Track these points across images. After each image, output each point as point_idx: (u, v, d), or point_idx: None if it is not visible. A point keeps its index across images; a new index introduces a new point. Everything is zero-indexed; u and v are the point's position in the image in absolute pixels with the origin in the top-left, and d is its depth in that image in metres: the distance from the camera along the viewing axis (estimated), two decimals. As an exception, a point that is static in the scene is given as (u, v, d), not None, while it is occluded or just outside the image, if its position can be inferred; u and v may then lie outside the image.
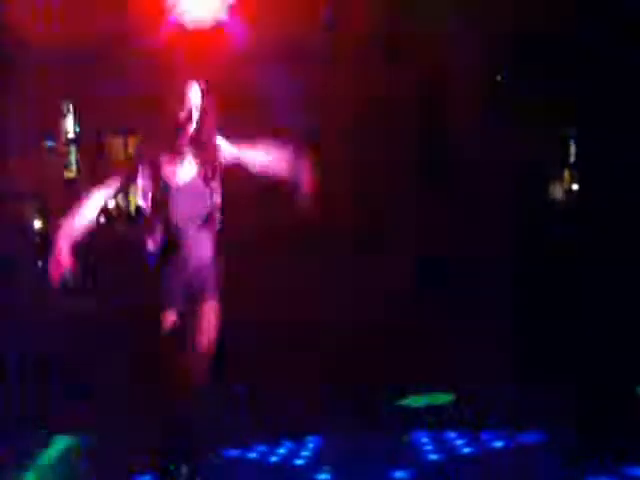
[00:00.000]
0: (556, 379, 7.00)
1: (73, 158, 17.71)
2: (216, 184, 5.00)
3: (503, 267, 9.46)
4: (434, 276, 9.64)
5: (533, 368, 7.28)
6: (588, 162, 11.43)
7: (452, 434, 6.19)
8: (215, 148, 5.01)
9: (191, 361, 4.83)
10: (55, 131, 16.99)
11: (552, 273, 9.36)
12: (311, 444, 6.17)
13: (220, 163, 5.00)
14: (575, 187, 11.75)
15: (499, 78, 11.22)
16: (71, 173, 17.58)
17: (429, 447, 5.95)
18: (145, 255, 4.93)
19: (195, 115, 4.93)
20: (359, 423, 6.55)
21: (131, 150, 17.92)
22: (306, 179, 5.06)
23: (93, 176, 17.13)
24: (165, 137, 4.99)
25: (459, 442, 6.01)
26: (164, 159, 4.95)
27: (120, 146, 18.09)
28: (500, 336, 8.09)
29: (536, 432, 6.01)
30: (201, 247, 4.94)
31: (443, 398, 7.13)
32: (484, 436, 6.06)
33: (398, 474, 5.40)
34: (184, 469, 4.85)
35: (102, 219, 16.64)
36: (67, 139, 17.88)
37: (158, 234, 4.92)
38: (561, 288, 9.04)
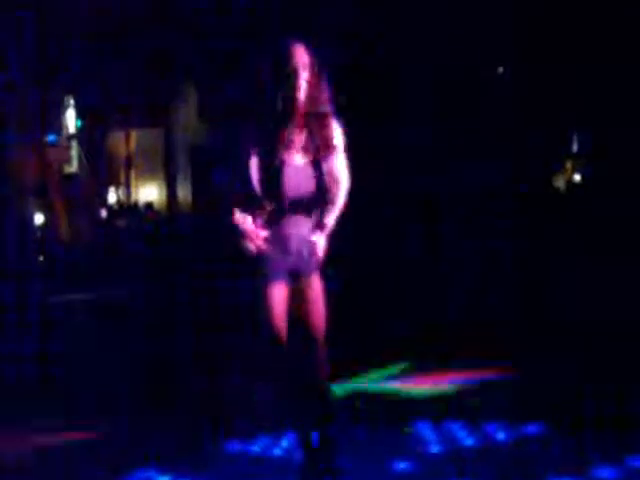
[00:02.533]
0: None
1: (74, 153, 17.74)
2: (327, 167, 4.76)
3: None
4: None
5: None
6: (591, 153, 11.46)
7: (454, 425, 6.17)
8: (328, 124, 4.71)
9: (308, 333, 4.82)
10: (56, 126, 17.02)
11: None
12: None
13: (332, 143, 4.71)
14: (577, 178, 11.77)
15: (501, 70, 11.24)
16: (71, 168, 17.61)
17: (431, 438, 5.94)
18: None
19: (302, 78, 4.59)
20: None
21: (132, 145, 17.97)
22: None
23: (94, 171, 17.20)
24: (278, 111, 4.64)
25: (461, 433, 5.99)
26: (278, 135, 4.68)
27: (121, 141, 18.11)
28: None
29: (538, 423, 6.00)
30: (305, 226, 4.78)
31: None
32: (487, 428, 6.05)
33: (400, 466, 5.39)
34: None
35: (104, 213, 16.69)
36: (68, 134, 17.92)
37: (266, 212, 4.77)
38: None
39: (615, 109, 10.46)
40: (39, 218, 14.42)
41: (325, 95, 4.68)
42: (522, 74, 11.10)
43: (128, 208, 17.18)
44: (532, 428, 5.96)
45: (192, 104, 16.36)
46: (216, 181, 12.48)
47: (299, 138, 4.69)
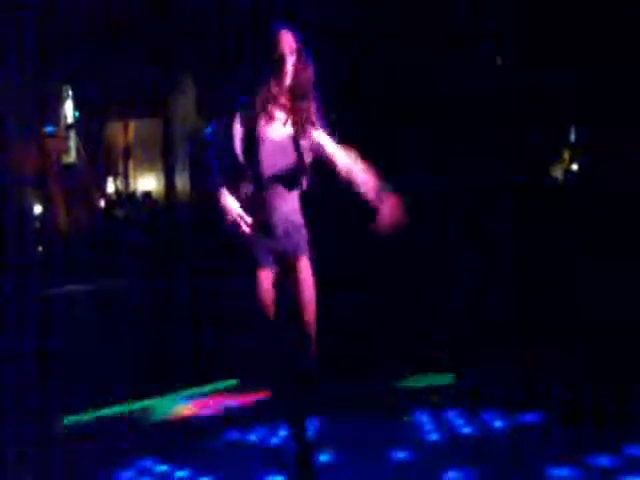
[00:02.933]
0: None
1: (72, 143, 17.74)
2: (307, 144, 4.82)
3: None
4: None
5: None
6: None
7: (452, 414, 6.20)
8: (310, 106, 4.82)
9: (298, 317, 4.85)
10: (54, 117, 17.02)
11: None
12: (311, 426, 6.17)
13: (314, 123, 4.81)
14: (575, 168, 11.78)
15: (499, 61, 11.24)
16: (70, 158, 17.61)
17: (429, 427, 5.97)
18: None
19: (289, 63, 4.74)
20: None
21: (131, 135, 17.97)
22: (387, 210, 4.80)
23: (92, 161, 17.20)
24: (263, 89, 4.78)
25: (459, 422, 6.02)
26: (261, 111, 4.79)
27: (120, 131, 18.11)
28: None
29: (536, 412, 6.03)
30: (288, 204, 4.84)
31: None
32: (484, 416, 6.07)
33: (398, 454, 5.42)
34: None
35: (102, 203, 16.70)
36: (66, 124, 17.92)
37: (248, 186, 4.82)
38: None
39: (614, 100, 10.45)
40: (37, 209, 14.43)
41: (310, 79, 4.79)
42: (520, 65, 11.09)
43: (126, 198, 17.18)
44: (530, 417, 5.99)
45: (190, 95, 16.35)
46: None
47: (281, 116, 4.80)
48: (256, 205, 4.78)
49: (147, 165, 18.00)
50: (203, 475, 5.30)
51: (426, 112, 10.53)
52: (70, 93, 17.73)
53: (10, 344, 8.01)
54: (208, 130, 4.92)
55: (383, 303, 8.90)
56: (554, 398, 6.33)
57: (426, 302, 8.93)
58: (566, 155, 11.85)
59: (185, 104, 16.37)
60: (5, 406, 6.67)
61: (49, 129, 16.96)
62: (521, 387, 6.68)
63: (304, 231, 4.88)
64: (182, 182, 16.16)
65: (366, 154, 4.83)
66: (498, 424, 5.92)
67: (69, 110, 17.79)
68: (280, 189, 4.79)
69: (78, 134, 17.74)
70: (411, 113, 10.61)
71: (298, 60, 4.75)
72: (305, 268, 4.83)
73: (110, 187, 18.02)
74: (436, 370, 7.38)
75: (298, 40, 4.76)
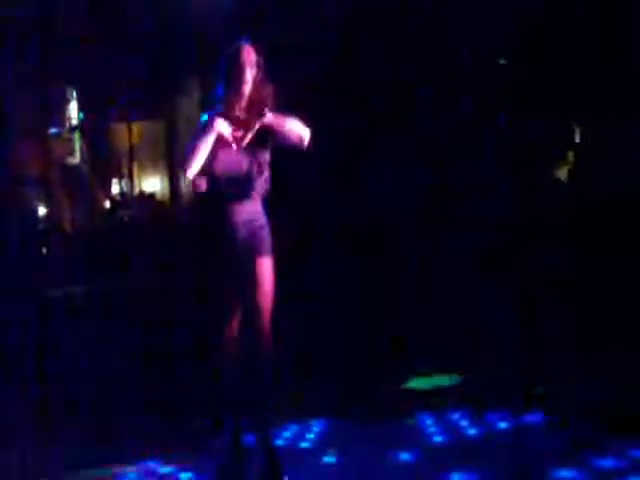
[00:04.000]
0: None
1: (77, 145, 17.76)
2: (266, 151, 5.13)
3: None
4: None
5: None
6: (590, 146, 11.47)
7: (456, 415, 6.21)
8: (266, 112, 5.06)
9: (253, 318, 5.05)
10: (59, 118, 17.04)
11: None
12: (316, 428, 6.20)
13: (271, 130, 5.07)
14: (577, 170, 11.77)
15: (502, 61, 11.24)
16: (74, 160, 17.63)
17: (434, 429, 5.98)
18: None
19: (248, 74, 5.06)
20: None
21: (135, 137, 17.99)
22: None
23: (96, 163, 17.23)
24: (230, 99, 5.12)
25: (464, 423, 6.03)
26: (229, 119, 5.08)
27: (124, 133, 18.12)
28: None
29: (539, 413, 6.04)
30: (248, 207, 5.09)
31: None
32: (488, 417, 6.08)
33: (403, 456, 5.43)
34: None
35: (107, 204, 16.70)
36: (71, 126, 17.93)
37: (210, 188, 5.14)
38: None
39: (617, 100, 10.45)
40: (42, 210, 14.45)
41: (268, 95, 5.10)
42: (523, 64, 11.08)
43: (131, 199, 17.18)
44: (534, 418, 5.99)
45: (195, 97, 16.36)
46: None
47: (240, 125, 5.07)
48: (219, 207, 5.09)
49: (151, 167, 18.00)
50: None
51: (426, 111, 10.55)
52: (74, 95, 17.73)
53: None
54: (204, 118, 5.15)
55: (386, 305, 8.91)
56: (557, 399, 6.34)
57: (428, 302, 8.95)
58: (570, 156, 11.83)
59: (189, 106, 16.38)
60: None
61: (53, 130, 16.97)
62: (525, 388, 6.69)
63: (266, 233, 5.12)
64: (186, 184, 16.16)
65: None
66: (502, 425, 5.93)
67: (73, 112, 17.80)
68: (239, 194, 5.06)
69: (82, 136, 17.75)
70: (412, 113, 10.61)
71: (258, 73, 5.09)
72: (265, 272, 5.06)
73: (114, 188, 18.02)
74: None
75: (259, 55, 5.12)
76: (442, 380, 7.15)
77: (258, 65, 5.10)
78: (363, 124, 10.43)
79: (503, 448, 5.53)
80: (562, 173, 11.81)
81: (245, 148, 5.07)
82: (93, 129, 17.65)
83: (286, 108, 5.14)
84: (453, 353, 7.60)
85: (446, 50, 10.50)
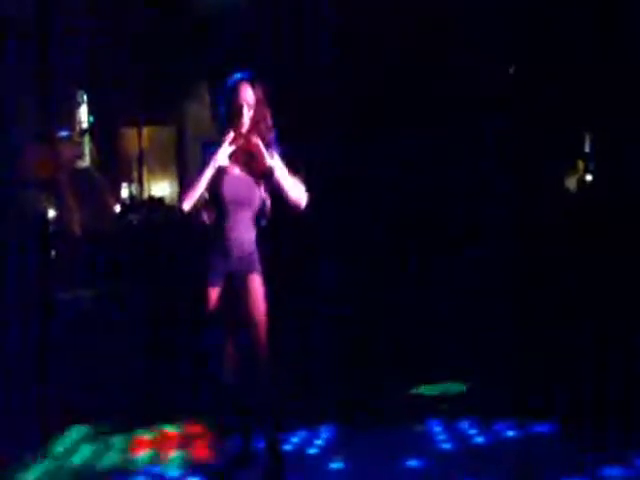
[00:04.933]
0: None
1: (87, 148, 17.80)
2: (265, 180, 5.16)
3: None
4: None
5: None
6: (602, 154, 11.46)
7: (465, 424, 6.21)
8: (269, 145, 5.15)
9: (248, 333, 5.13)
10: (69, 121, 17.06)
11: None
12: (325, 433, 6.20)
13: (270, 164, 5.12)
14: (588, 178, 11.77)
15: (512, 70, 11.24)
16: (84, 163, 17.65)
17: (442, 436, 5.98)
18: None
19: (247, 116, 5.11)
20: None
21: (145, 141, 18.03)
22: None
23: (106, 167, 17.26)
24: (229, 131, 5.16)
25: (472, 432, 6.03)
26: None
27: (134, 137, 18.16)
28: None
29: (548, 422, 6.04)
30: (245, 234, 5.16)
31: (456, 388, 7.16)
32: (496, 426, 6.08)
33: (411, 463, 5.44)
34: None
35: (117, 209, 16.73)
36: (81, 129, 17.96)
37: (211, 214, 5.23)
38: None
39: (628, 108, 10.45)
40: (51, 213, 14.47)
41: (268, 127, 5.16)
42: (533, 72, 11.08)
43: (140, 203, 17.21)
44: (542, 427, 5.99)
45: (205, 102, 16.39)
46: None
47: (242, 156, 5.14)
48: (216, 230, 5.17)
49: (161, 171, 18.03)
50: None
51: (435, 118, 10.55)
52: (85, 98, 17.77)
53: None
54: (210, 150, 5.19)
55: (395, 310, 8.92)
56: (566, 408, 6.33)
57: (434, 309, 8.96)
58: (580, 165, 11.83)
59: (199, 111, 16.41)
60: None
61: (63, 134, 17.00)
62: (533, 396, 6.68)
63: (256, 256, 5.19)
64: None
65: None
66: (510, 434, 5.93)
67: (84, 115, 17.83)
68: (238, 220, 5.14)
69: (92, 139, 17.79)
70: (422, 120, 10.62)
71: (256, 111, 5.13)
72: (256, 288, 5.15)
73: (124, 193, 18.05)
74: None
75: (257, 91, 5.14)
76: (451, 387, 7.15)
77: (258, 103, 5.13)
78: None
79: (511, 457, 5.53)
80: (571, 182, 11.82)
81: (249, 178, 5.15)
82: (103, 133, 17.70)
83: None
84: (462, 360, 7.60)
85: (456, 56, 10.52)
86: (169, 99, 16.43)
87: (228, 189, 5.11)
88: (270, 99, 5.23)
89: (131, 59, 14.56)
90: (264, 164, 5.08)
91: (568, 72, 10.60)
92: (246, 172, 5.15)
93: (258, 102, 5.12)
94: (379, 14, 10.50)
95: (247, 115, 5.09)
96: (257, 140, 5.09)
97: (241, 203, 5.13)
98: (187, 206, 5.11)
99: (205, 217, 5.25)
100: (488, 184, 10.36)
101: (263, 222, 5.23)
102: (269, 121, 5.18)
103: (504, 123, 10.56)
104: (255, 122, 5.12)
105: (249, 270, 5.14)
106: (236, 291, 5.15)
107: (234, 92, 5.11)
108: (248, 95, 5.10)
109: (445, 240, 9.99)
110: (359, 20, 10.70)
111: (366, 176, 10.39)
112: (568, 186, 11.86)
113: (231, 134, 5.10)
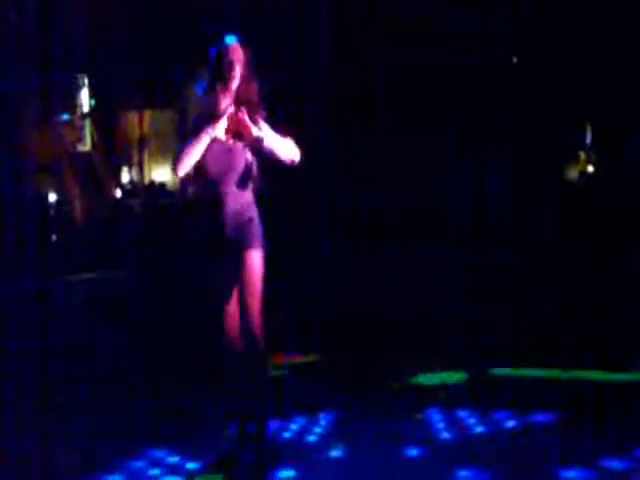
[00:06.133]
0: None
1: (87, 132, 17.78)
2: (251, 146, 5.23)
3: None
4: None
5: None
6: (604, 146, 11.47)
7: (464, 413, 6.20)
8: (255, 107, 5.23)
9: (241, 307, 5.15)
10: (70, 104, 17.05)
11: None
12: (323, 421, 6.20)
13: (258, 123, 5.19)
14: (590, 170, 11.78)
15: (515, 60, 11.24)
16: (85, 147, 17.64)
17: (441, 425, 5.98)
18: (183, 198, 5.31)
19: (237, 70, 5.22)
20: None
21: (146, 125, 18.01)
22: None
23: (107, 151, 17.24)
24: (217, 94, 5.28)
25: (471, 421, 6.03)
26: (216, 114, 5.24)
27: (135, 121, 18.12)
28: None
29: (548, 412, 6.04)
30: (238, 201, 5.20)
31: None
32: (496, 415, 6.08)
33: (410, 452, 5.44)
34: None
35: (118, 193, 16.73)
36: (82, 112, 17.94)
37: (200, 182, 5.28)
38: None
39: (629, 101, 10.45)
40: (52, 197, 14.47)
41: (255, 92, 5.28)
42: (536, 64, 11.08)
43: (141, 188, 17.21)
44: (542, 417, 5.99)
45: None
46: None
47: (232, 127, 5.19)
48: (207, 202, 5.22)
49: (162, 156, 18.01)
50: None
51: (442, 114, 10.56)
52: (86, 82, 17.75)
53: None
54: (199, 88, 5.40)
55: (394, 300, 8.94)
56: (566, 399, 6.34)
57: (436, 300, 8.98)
58: (582, 157, 11.85)
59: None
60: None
61: (64, 117, 17.00)
62: (533, 387, 6.69)
63: (255, 227, 5.23)
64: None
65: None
66: (510, 424, 5.93)
67: (85, 99, 17.82)
68: (229, 187, 5.20)
69: (93, 123, 17.77)
70: (427, 114, 10.63)
71: (245, 70, 5.24)
72: (252, 263, 5.15)
73: (125, 177, 18.04)
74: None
75: (247, 54, 5.28)
76: (450, 377, 7.15)
77: (247, 64, 5.25)
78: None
79: (510, 446, 5.53)
80: (573, 174, 11.83)
81: (235, 144, 5.21)
82: (104, 116, 17.68)
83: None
84: (462, 350, 7.61)
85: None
86: (171, 83, 16.40)
87: (211, 158, 5.19)
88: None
89: (133, 43, 14.55)
90: (252, 137, 5.13)
91: (571, 65, 10.61)
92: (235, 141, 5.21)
93: (247, 64, 5.26)
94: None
95: (237, 70, 5.20)
96: (243, 115, 5.14)
97: (226, 171, 5.19)
98: (182, 172, 5.18)
99: (189, 191, 5.31)
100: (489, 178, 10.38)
101: (252, 186, 5.25)
102: (257, 89, 5.28)
103: (507, 119, 10.57)
104: (243, 82, 5.23)
105: (247, 244, 5.16)
106: (233, 266, 5.16)
107: (225, 50, 5.24)
108: (239, 54, 5.24)
109: (447, 233, 10.01)
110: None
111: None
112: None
113: (230, 109, 5.18)
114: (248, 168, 5.23)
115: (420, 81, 10.97)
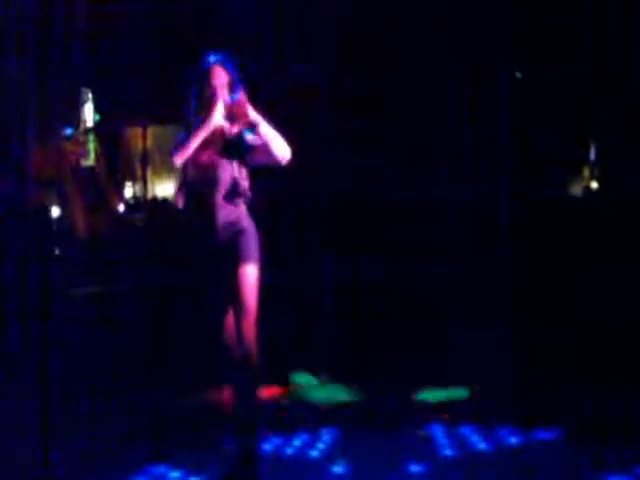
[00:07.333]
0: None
1: (91, 147, 17.80)
2: (239, 162, 5.16)
3: None
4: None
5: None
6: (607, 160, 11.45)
7: (467, 429, 6.19)
8: (246, 122, 5.10)
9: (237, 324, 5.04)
10: (74, 119, 17.08)
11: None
12: (326, 437, 6.19)
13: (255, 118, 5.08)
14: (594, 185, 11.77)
15: (518, 75, 11.24)
16: (88, 162, 17.67)
17: (444, 442, 5.97)
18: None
19: (221, 97, 5.09)
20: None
21: (150, 140, 18.02)
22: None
23: (110, 165, 17.27)
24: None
25: (474, 438, 6.01)
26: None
27: (138, 136, 18.15)
28: None
29: (552, 429, 6.03)
30: (230, 213, 5.10)
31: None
32: (500, 432, 6.07)
33: (413, 468, 5.43)
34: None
35: (121, 208, 16.74)
36: (85, 127, 17.97)
37: (190, 196, 5.22)
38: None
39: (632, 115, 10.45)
40: (55, 211, 14.47)
41: (243, 104, 5.07)
42: (538, 78, 11.07)
43: (144, 203, 17.22)
44: (545, 434, 5.98)
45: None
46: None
47: (219, 139, 5.14)
48: (201, 213, 5.14)
49: (165, 171, 18.02)
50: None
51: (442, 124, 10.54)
52: (90, 96, 17.78)
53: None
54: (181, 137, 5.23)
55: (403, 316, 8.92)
56: (569, 415, 6.32)
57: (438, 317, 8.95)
58: (586, 172, 11.84)
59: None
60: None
61: (68, 132, 17.02)
62: (536, 403, 6.67)
63: (249, 239, 5.09)
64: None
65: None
66: (513, 441, 5.92)
67: (89, 113, 17.85)
68: (220, 199, 5.10)
69: (97, 138, 17.80)
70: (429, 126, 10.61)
71: (230, 91, 5.13)
72: (246, 280, 5.02)
73: (128, 192, 18.05)
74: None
75: (230, 72, 5.17)
76: (454, 393, 7.14)
77: (230, 84, 5.14)
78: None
79: (513, 463, 5.52)
80: (577, 189, 11.82)
81: (221, 159, 5.14)
82: (108, 131, 17.71)
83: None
84: (466, 366, 7.59)
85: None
86: (175, 98, 16.40)
87: (195, 171, 5.14)
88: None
89: (137, 57, 14.55)
90: (248, 117, 5.04)
91: (572, 77, 10.60)
92: (230, 124, 5.13)
93: (231, 84, 5.15)
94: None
95: (221, 97, 5.10)
96: (243, 97, 5.07)
97: (210, 184, 5.10)
98: (179, 161, 5.15)
99: (180, 203, 5.25)
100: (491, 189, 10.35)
101: (239, 201, 5.13)
102: (244, 99, 5.10)
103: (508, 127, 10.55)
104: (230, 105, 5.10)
105: (241, 258, 5.04)
106: (227, 278, 5.06)
107: (207, 74, 5.17)
108: (221, 77, 5.15)
109: (449, 242, 9.98)
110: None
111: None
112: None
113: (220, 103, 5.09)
114: (235, 182, 5.12)
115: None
